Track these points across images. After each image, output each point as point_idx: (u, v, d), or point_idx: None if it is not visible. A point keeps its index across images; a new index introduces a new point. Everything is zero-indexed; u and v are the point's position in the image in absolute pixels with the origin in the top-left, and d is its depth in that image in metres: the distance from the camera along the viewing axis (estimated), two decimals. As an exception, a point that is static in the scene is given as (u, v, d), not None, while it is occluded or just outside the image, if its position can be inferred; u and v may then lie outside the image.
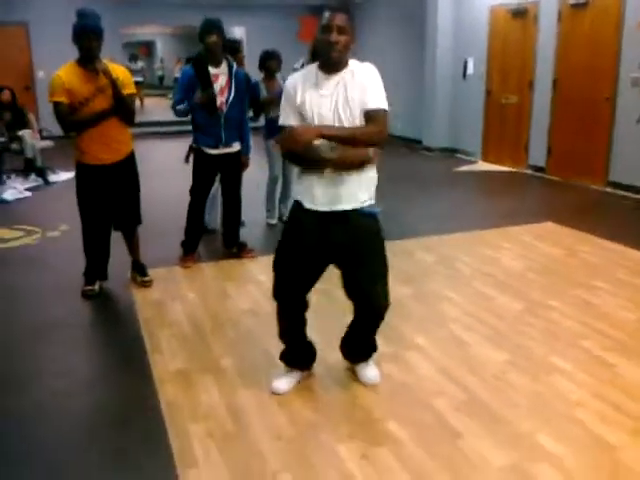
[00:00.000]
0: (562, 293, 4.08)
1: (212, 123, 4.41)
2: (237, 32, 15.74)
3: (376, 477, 2.31)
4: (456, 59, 9.54)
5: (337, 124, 2.54)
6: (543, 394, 2.88)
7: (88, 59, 3.75)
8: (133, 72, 18.00)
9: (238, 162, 4.65)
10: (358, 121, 2.55)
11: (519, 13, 8.29)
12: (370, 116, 2.54)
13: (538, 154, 8.27)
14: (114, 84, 3.77)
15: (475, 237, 5.40)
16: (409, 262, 4.74)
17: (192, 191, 4.62)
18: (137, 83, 18.18)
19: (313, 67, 2.63)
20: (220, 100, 4.38)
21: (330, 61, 2.54)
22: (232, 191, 4.74)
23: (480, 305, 3.90)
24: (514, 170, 8.57)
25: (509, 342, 3.40)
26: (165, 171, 8.09)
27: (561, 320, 3.67)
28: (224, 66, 4.41)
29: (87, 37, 3.72)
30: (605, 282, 4.26)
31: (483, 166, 9.00)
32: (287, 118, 2.63)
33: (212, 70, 4.36)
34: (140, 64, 17.79)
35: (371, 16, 11.92)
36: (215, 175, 4.68)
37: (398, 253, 4.84)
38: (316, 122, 2.55)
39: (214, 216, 5.38)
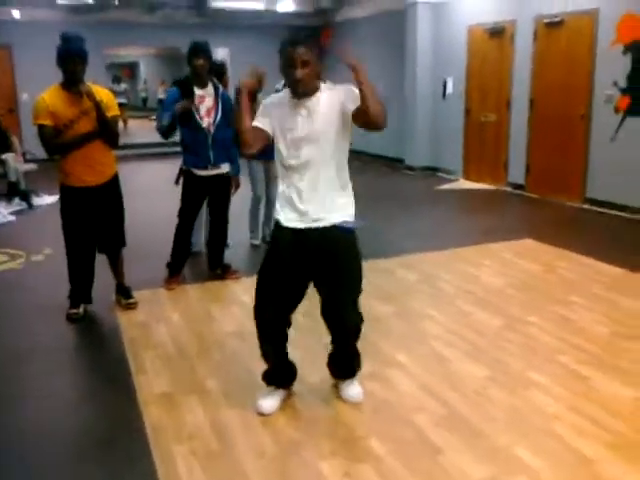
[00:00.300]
0: (540, 309, 4.17)
1: (200, 144, 4.46)
2: (221, 53, 15.91)
3: (358, 494, 2.36)
4: (435, 79, 9.72)
5: (314, 145, 2.63)
6: (521, 408, 2.94)
7: (72, 82, 3.81)
8: (116, 94, 18.03)
9: (227, 184, 4.69)
10: (332, 144, 2.65)
11: (496, 32, 8.49)
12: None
13: (517, 172, 8.43)
14: (98, 107, 3.83)
15: (456, 254, 5.49)
16: (390, 280, 4.82)
17: (180, 213, 4.66)
18: (121, 105, 18.09)
19: (287, 93, 2.71)
20: (207, 121, 4.44)
21: (298, 94, 2.63)
22: (219, 213, 4.77)
23: (460, 322, 3.98)
24: (494, 188, 8.72)
25: (489, 357, 3.48)
26: (150, 193, 8.13)
27: (539, 335, 3.75)
28: (210, 88, 4.49)
29: (71, 60, 3.78)
30: (581, 297, 4.36)
31: (464, 184, 9.14)
32: (258, 122, 2.70)
33: (198, 91, 4.44)
34: (123, 86, 17.87)
35: (351, 35, 12.11)
36: (204, 197, 4.71)
37: (380, 271, 4.94)
38: (289, 144, 2.66)
39: (198, 238, 5.42)
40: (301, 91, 2.61)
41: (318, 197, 2.68)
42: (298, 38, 2.62)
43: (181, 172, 4.64)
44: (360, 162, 11.36)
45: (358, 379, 3.09)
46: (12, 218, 7.15)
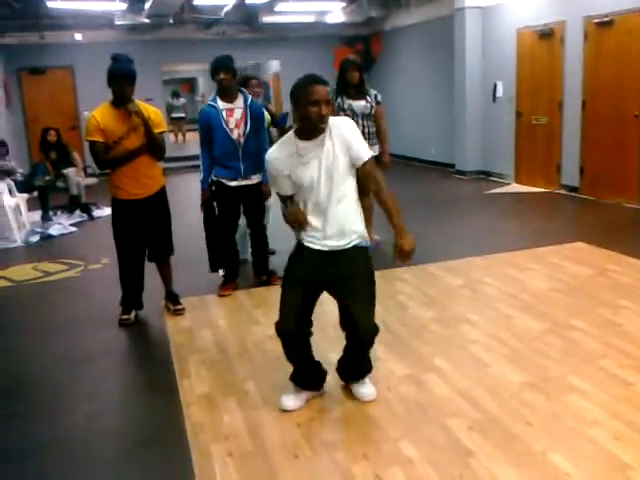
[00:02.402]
0: (586, 312, 4.08)
1: (230, 156, 4.54)
2: (273, 66, 16.20)
3: (388, 495, 2.40)
4: (485, 82, 9.63)
5: (325, 186, 2.79)
6: (558, 413, 2.91)
7: (121, 101, 4.01)
8: (175, 108, 18.54)
9: (259, 193, 4.73)
10: (344, 176, 2.81)
11: (545, 34, 8.34)
12: (366, 168, 2.84)
13: (571, 174, 8.24)
14: (146, 124, 4.01)
15: (503, 259, 5.42)
16: (435, 285, 4.82)
17: (219, 222, 4.79)
18: (180, 119, 18.65)
19: (291, 136, 2.83)
20: (237, 133, 4.52)
21: (318, 131, 2.75)
22: (256, 221, 4.88)
23: (501, 326, 3.94)
24: (547, 190, 8.54)
25: (528, 362, 3.44)
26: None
27: (582, 339, 3.68)
28: (239, 100, 4.57)
29: (120, 81, 3.98)
30: (632, 301, 4.24)
31: (515, 188, 8.99)
32: (281, 188, 2.90)
33: (226, 105, 4.53)
34: (182, 100, 18.32)
35: (400, 43, 12.14)
36: (239, 205, 4.77)
37: (425, 277, 4.95)
38: (305, 190, 2.82)
39: (245, 247, 5.55)
40: (323, 127, 2.73)
41: (338, 223, 2.85)
42: (320, 78, 2.75)
43: (212, 183, 4.66)
44: (411, 168, 11.37)
45: (369, 379, 3.14)
46: (73, 229, 7.50)
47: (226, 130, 4.50)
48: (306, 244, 2.92)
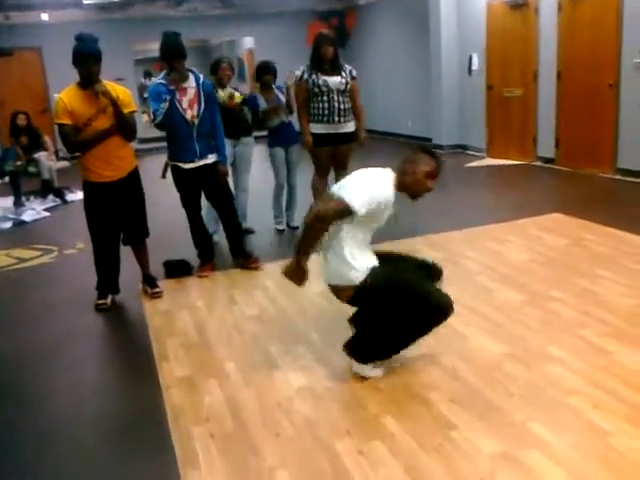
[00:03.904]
0: (564, 283, 4.11)
1: (185, 137, 4.44)
2: (246, 42, 15.97)
3: (371, 471, 2.39)
4: (461, 55, 9.57)
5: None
6: (538, 383, 2.92)
7: (88, 82, 3.90)
8: (147, 88, 18.23)
9: (216, 173, 4.61)
10: None
11: (518, 5, 8.29)
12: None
13: (547, 145, 8.26)
14: (115, 104, 3.92)
15: (482, 232, 5.44)
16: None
17: (183, 205, 4.71)
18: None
19: (392, 186, 3.01)
20: (190, 114, 4.41)
21: (416, 199, 3.13)
22: (222, 202, 4.75)
23: (481, 299, 3.95)
24: (524, 163, 8.57)
25: (508, 333, 3.46)
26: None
27: (561, 309, 3.71)
28: (191, 80, 4.45)
29: (85, 61, 3.87)
30: (609, 270, 4.28)
31: (492, 161, 9.00)
32: (363, 208, 2.86)
33: (180, 85, 4.40)
34: (154, 80, 18.05)
35: (375, 18, 12.02)
36: (199, 186, 4.66)
37: (405, 251, 4.92)
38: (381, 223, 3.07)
39: (216, 227, 5.45)
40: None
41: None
42: (440, 158, 3.12)
43: (167, 166, 4.59)
44: (388, 144, 11.32)
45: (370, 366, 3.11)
46: (46, 214, 7.38)
47: (179, 110, 4.38)
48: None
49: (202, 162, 4.54)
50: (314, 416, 2.79)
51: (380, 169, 3.08)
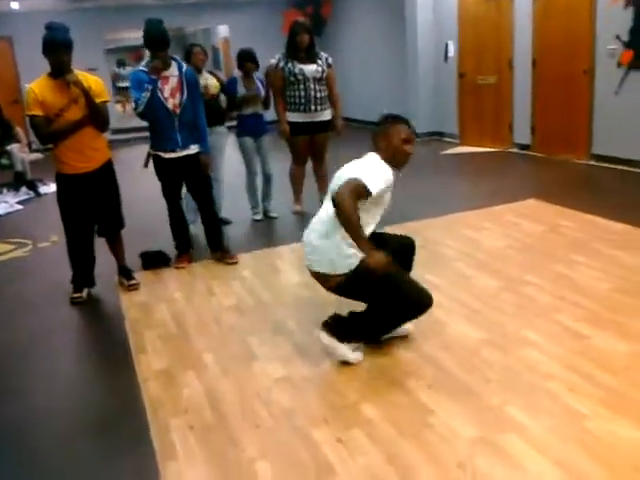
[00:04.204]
0: (540, 268, 4.14)
1: (166, 127, 4.38)
2: (221, 30, 15.82)
3: (350, 459, 2.39)
4: (437, 42, 9.55)
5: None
6: (515, 368, 2.95)
7: (59, 72, 3.83)
8: (121, 77, 18.03)
9: (199, 164, 4.56)
10: None
11: (492, -7, 8.31)
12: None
13: (522, 132, 8.32)
14: (87, 94, 3.85)
15: (459, 219, 5.46)
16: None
17: (164, 195, 4.66)
18: (127, 88, 18.13)
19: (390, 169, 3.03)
20: (172, 103, 4.34)
21: (401, 168, 3.15)
22: (201, 194, 4.69)
23: (459, 286, 3.97)
24: (500, 150, 8.61)
25: (485, 319, 3.48)
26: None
27: (537, 295, 3.74)
28: (174, 68, 4.38)
29: (56, 51, 3.80)
30: (583, 255, 4.32)
31: (469, 148, 9.04)
32: (376, 188, 2.90)
33: (162, 73, 4.33)
34: (129, 69, 17.82)
35: (351, 5, 11.96)
36: (180, 177, 4.61)
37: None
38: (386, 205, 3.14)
39: (195, 218, 5.40)
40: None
41: None
42: (408, 120, 3.14)
43: (149, 156, 4.54)
44: (365, 132, 11.31)
45: (354, 347, 3.12)
46: (20, 207, 7.26)
47: (161, 99, 4.32)
48: None
49: (184, 152, 4.47)
50: (293, 406, 2.78)
51: (365, 156, 3.09)
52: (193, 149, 4.52)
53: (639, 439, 2.36)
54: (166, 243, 4.91)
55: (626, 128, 6.82)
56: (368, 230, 3.03)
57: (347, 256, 2.97)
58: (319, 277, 3.13)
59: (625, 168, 6.83)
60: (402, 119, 3.11)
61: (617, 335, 3.17)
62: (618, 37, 6.76)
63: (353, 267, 2.97)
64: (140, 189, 7.11)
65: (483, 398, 2.72)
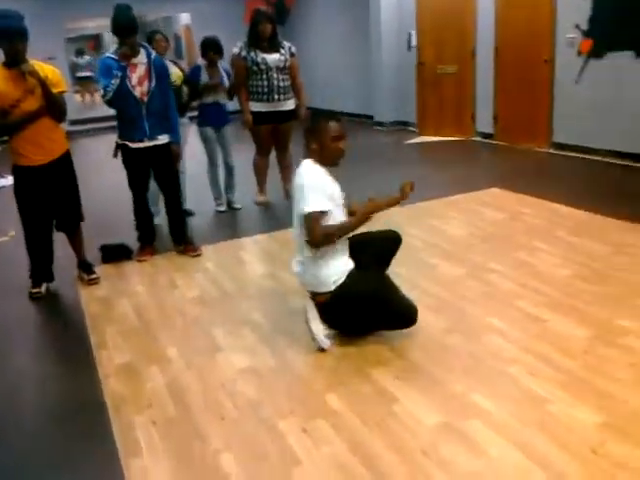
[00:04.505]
0: (502, 256, 4.20)
1: (134, 116, 4.30)
2: (183, 18, 15.58)
3: (315, 449, 2.39)
4: (400, 32, 9.56)
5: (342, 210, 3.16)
6: (478, 354, 2.98)
7: (14, 61, 3.71)
8: (80, 67, 17.59)
9: (168, 155, 4.50)
10: None
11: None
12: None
13: (485, 121, 8.41)
14: (43, 84, 3.74)
15: (423, 208, 5.49)
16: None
17: (130, 185, 4.57)
18: (86, 78, 17.69)
19: (317, 166, 3.05)
20: (140, 91, 4.27)
21: (336, 165, 3.11)
22: (168, 185, 4.62)
23: (424, 275, 4.00)
24: (463, 139, 8.69)
25: (450, 307, 3.51)
26: (116, 164, 8.02)
27: (499, 282, 3.79)
28: (142, 56, 4.30)
29: (10, 39, 3.68)
30: (544, 242, 4.39)
31: (433, 137, 9.09)
32: (323, 204, 2.96)
33: (130, 60, 4.24)
34: (87, 58, 17.41)
35: (315, 1, 11.90)
36: (148, 167, 4.53)
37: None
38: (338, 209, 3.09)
39: (158, 210, 5.34)
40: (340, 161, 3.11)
41: None
42: (338, 115, 3.11)
43: (117, 146, 4.46)
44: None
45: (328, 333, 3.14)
46: (-24, 201, 7.04)
47: (128, 87, 4.23)
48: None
49: (152, 143, 4.39)
50: (258, 397, 2.77)
51: (301, 165, 3.12)
52: (162, 139, 4.44)
53: (597, 422, 2.41)
54: (128, 235, 4.83)
55: (585, 117, 6.94)
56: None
57: (328, 275, 3.03)
58: (311, 295, 3.17)
59: (584, 156, 6.95)
60: (331, 116, 3.07)
61: (576, 320, 3.23)
62: (577, 26, 6.86)
63: (334, 286, 3.03)
64: (100, 181, 6.98)
65: (447, 386, 2.74)
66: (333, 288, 3.03)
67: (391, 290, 3.12)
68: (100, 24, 20.05)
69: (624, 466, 2.16)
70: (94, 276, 4.25)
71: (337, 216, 3.06)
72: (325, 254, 3.03)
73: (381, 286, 3.08)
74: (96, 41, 23.57)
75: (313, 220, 2.94)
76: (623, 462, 2.18)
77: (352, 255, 3.17)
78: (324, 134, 3.01)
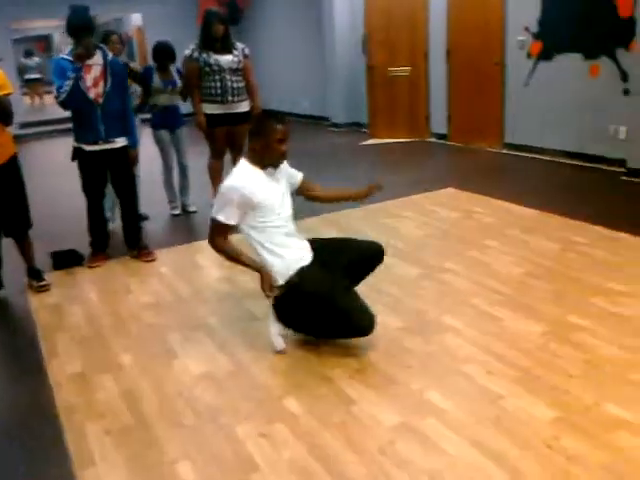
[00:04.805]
0: (457, 255, 4.25)
1: (88, 118, 4.22)
2: (134, 19, 15.34)
3: (274, 453, 2.37)
4: (354, 33, 9.59)
5: (286, 207, 3.17)
6: (434, 353, 3.01)
7: None
8: (29, 69, 17.16)
9: (125, 158, 4.42)
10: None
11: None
12: (306, 182, 3.45)
13: (439, 122, 8.52)
14: (-13, 87, 3.63)
15: (379, 209, 5.52)
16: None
17: (84, 190, 4.46)
18: (35, 80, 17.31)
19: (255, 170, 3.05)
20: (95, 92, 4.19)
21: (277, 167, 3.10)
22: (125, 190, 4.53)
23: (379, 275, 3.98)
24: (418, 140, 8.78)
25: (405, 307, 3.54)
26: (67, 168, 7.83)
27: (454, 281, 3.84)
28: (98, 57, 4.22)
29: None
30: (497, 241, 4.47)
31: (388, 139, 9.15)
32: (230, 217, 2.99)
33: (85, 61, 4.14)
34: (36, 60, 16.98)
35: (268, 2, 11.86)
36: (104, 172, 4.44)
37: (303, 231, 4.89)
38: (276, 209, 3.06)
39: (114, 214, 5.24)
40: (283, 162, 3.13)
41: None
42: (284, 117, 3.09)
43: (75, 149, 4.35)
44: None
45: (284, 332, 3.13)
46: None
47: (82, 88, 4.13)
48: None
49: (108, 146, 4.30)
50: (215, 403, 2.73)
51: (237, 165, 3.14)
52: (118, 142, 4.36)
53: (551, 417, 2.46)
54: (79, 241, 4.71)
55: (535, 118, 7.10)
56: (278, 241, 3.05)
57: (274, 271, 3.04)
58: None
59: (535, 156, 7.11)
60: (276, 117, 3.06)
61: (530, 318, 3.29)
62: (527, 29, 7.01)
63: (282, 281, 3.03)
64: (51, 185, 6.81)
65: (404, 385, 2.76)
66: (282, 282, 3.01)
67: (350, 297, 3.05)
68: (49, 25, 19.61)
69: (578, 460, 2.20)
70: (44, 283, 4.13)
71: (272, 220, 3.05)
72: (275, 246, 3.04)
73: (338, 290, 3.03)
74: (46, 42, 23.03)
75: (214, 227, 3.04)
76: (577, 456, 2.23)
77: (325, 254, 3.15)
78: (269, 135, 2.99)
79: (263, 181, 3.05)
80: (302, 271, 3.04)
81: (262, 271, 3.01)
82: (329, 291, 3.00)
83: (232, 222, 3.00)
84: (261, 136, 3.02)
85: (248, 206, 2.99)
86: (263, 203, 3.01)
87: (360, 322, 2.96)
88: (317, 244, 3.27)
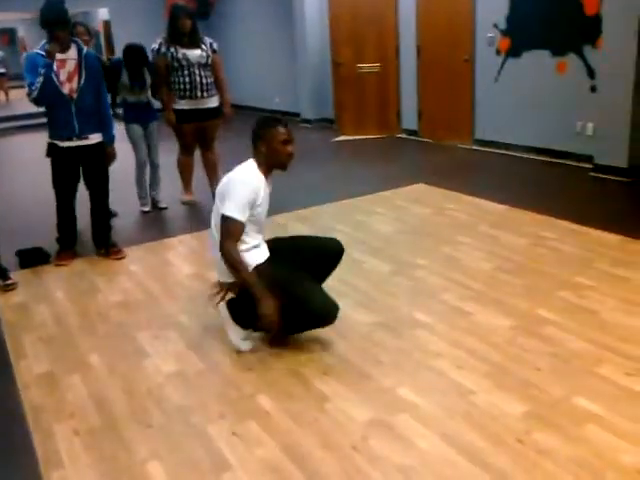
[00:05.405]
0: (428, 251, 4.28)
1: (62, 113, 4.12)
2: (101, 12, 15.10)
3: (246, 452, 2.35)
4: (325, 29, 9.58)
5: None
6: (406, 349, 3.02)
7: None
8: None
9: (100, 155, 4.35)
10: None
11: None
12: None
13: (410, 118, 8.56)
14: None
15: (350, 205, 5.53)
16: (282, 234, 4.78)
17: (54, 185, 4.36)
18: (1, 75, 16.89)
19: (258, 173, 3.02)
20: (69, 87, 4.10)
21: (285, 168, 3.10)
22: (97, 187, 4.45)
23: (351, 271, 4.01)
24: (390, 136, 8.80)
25: (377, 303, 3.54)
26: (36, 165, 7.68)
27: (426, 277, 3.85)
28: (72, 51, 4.13)
29: None
30: (467, 236, 4.50)
31: (356, 135, 9.15)
32: (244, 215, 2.93)
33: (59, 56, 4.08)
34: (0, 54, 16.62)
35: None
36: (77, 167, 4.35)
37: (274, 227, 4.89)
38: (262, 220, 3.11)
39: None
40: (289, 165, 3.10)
41: None
42: (283, 119, 3.10)
43: (49, 145, 4.26)
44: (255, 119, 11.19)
45: (246, 335, 3.10)
46: None
47: (55, 83, 4.04)
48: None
49: (82, 142, 4.22)
50: (186, 402, 2.70)
51: (243, 164, 3.07)
52: (93, 139, 4.28)
53: (521, 412, 2.48)
54: (46, 239, 4.62)
55: (505, 114, 7.17)
56: (244, 239, 3.00)
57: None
58: (221, 287, 3.11)
59: (504, 152, 7.19)
60: (278, 121, 3.07)
61: (499, 312, 3.32)
62: (496, 25, 7.07)
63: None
64: (19, 182, 6.66)
65: (376, 381, 2.76)
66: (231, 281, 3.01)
67: (308, 283, 3.00)
68: (13, 17, 19.17)
69: (548, 454, 2.23)
70: (10, 282, 4.04)
71: (255, 224, 3.04)
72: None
73: (296, 277, 2.99)
74: (9, 35, 22.52)
75: (227, 231, 2.92)
76: (547, 450, 2.25)
77: (283, 253, 3.14)
78: (273, 138, 3.00)
79: (264, 187, 3.05)
80: (257, 268, 3.00)
81: (263, 297, 2.85)
82: (287, 277, 2.96)
83: (245, 218, 2.94)
84: (265, 140, 3.01)
85: (251, 207, 2.96)
86: (258, 209, 3.00)
87: (321, 307, 2.92)
88: (275, 244, 3.25)
